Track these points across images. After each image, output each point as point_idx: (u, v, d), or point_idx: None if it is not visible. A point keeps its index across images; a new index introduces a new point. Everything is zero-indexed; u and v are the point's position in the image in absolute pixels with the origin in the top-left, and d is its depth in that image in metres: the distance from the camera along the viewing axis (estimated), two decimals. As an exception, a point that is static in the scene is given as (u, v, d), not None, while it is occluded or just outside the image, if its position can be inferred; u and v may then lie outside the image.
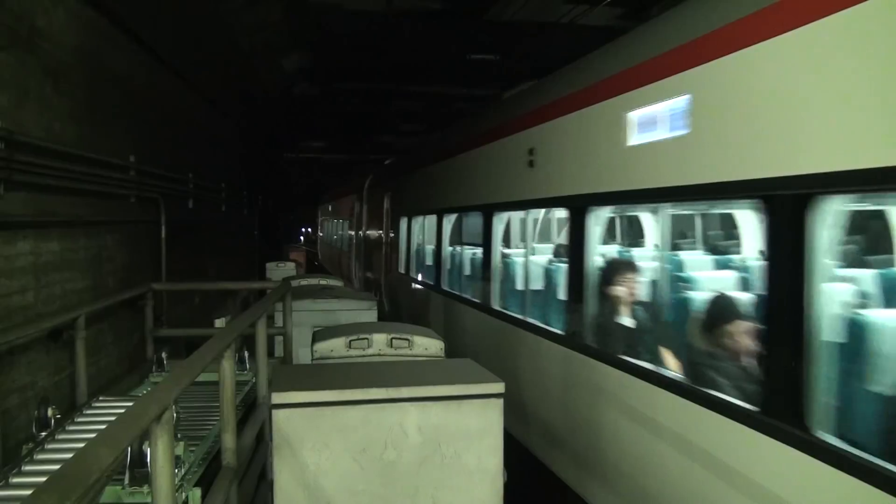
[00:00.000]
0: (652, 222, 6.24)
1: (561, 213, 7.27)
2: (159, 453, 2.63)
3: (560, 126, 5.93)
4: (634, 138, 4.76)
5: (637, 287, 5.27)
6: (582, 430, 5.31)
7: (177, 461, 3.77)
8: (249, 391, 6.01)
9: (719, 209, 5.82)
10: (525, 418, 6.33)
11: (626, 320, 5.27)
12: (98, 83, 6.62)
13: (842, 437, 3.08)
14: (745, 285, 4.99)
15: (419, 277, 11.51)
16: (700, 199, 4.33)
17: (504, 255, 7.65)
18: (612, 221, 6.76)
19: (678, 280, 5.05)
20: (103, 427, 2.34)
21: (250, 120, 16.38)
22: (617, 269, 5.44)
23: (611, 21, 11.80)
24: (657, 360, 4.55)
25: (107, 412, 4.75)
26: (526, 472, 6.09)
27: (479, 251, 8.09)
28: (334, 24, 12.97)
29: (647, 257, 5.68)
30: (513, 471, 4.05)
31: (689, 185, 4.10)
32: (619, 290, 5.29)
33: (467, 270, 9.16)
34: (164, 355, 6.84)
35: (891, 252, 4.46)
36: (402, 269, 12.53)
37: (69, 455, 2.06)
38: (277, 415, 3.73)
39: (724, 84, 3.84)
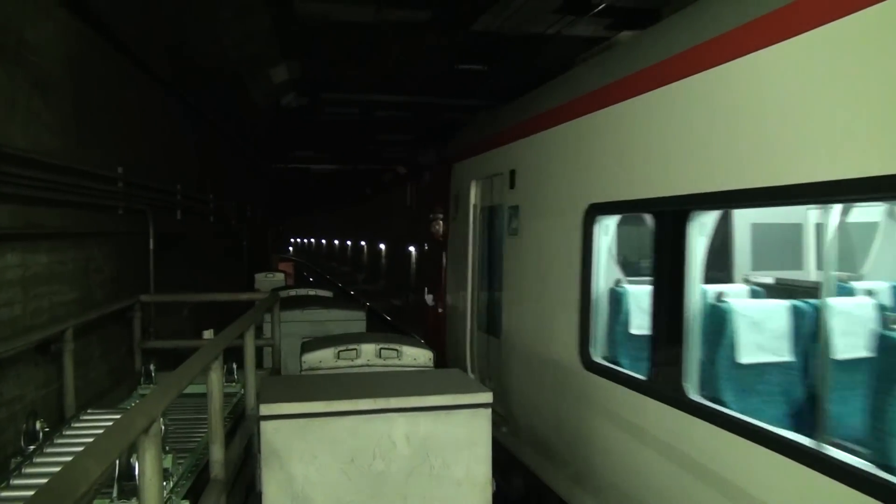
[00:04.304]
0: None
1: None
2: (147, 466, 2.64)
3: None
4: None
5: None
6: None
7: (165, 474, 3.77)
8: (238, 403, 6.00)
9: None
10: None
11: None
12: (86, 95, 6.62)
13: None
14: None
15: None
16: None
17: None
18: None
19: None
20: (91, 440, 2.35)
21: (239, 131, 16.38)
22: None
23: (598, 32, 11.90)
24: None
25: (95, 425, 4.74)
26: None
27: None
28: (322, 34, 13.01)
29: None
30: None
31: None
32: None
33: None
34: (152, 367, 6.83)
35: None
36: None
37: (57, 468, 2.07)
38: (266, 426, 3.74)
39: None
